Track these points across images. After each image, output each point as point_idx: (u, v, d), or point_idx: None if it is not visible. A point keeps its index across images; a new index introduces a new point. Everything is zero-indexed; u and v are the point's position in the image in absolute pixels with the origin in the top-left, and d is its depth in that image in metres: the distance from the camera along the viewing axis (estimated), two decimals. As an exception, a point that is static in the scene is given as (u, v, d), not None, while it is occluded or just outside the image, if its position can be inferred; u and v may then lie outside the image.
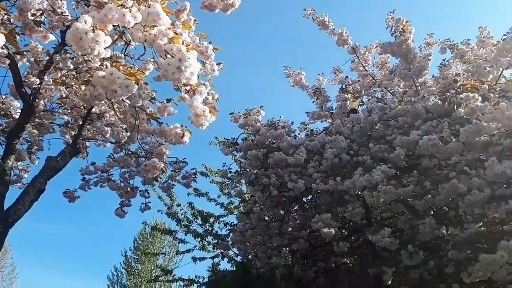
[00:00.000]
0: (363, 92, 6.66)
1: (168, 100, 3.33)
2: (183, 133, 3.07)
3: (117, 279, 16.81)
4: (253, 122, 4.93)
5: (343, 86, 6.02)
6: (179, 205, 8.27)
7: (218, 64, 3.60)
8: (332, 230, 4.49)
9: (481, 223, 2.80)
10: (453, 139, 3.29)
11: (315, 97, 6.13)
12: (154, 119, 3.38)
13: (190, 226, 8.02)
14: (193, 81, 2.12)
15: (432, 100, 4.33)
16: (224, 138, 5.30)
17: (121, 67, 2.23)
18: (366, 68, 6.65)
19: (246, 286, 4.34)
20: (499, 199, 2.77)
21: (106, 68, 2.26)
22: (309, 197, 6.35)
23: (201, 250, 7.87)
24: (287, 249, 6.20)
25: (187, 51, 2.03)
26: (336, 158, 4.65)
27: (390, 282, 4.35)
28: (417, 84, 5.46)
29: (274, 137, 4.73)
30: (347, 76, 6.19)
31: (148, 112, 3.44)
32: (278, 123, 4.91)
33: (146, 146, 4.56)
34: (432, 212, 4.14)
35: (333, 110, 6.11)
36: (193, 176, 5.05)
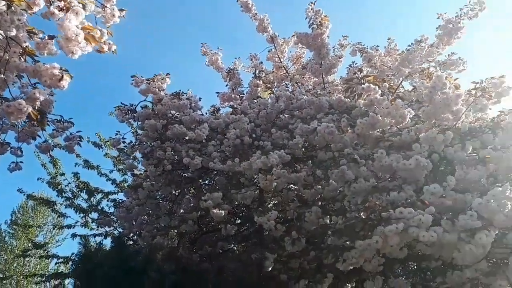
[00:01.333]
0: (275, 83, 6.67)
1: (51, 37, 2.81)
2: (62, 75, 2.61)
3: (-16, 255, 14.77)
4: (156, 89, 4.54)
5: (256, 72, 5.92)
6: (62, 174, 7.46)
7: (121, 10, 3.17)
8: (222, 211, 4.34)
9: (362, 212, 2.85)
10: (350, 130, 3.34)
11: (228, 78, 5.93)
12: (29, 55, 2.83)
13: (73, 200, 7.29)
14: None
15: (336, 95, 4.44)
16: (121, 103, 4.80)
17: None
18: (282, 60, 6.65)
19: (122, 262, 3.95)
20: (381, 190, 2.87)
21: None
22: (207, 181, 6.16)
23: (84, 227, 7.21)
24: (175, 231, 5.93)
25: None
26: (238, 140, 4.51)
27: (270, 269, 4.34)
28: (326, 81, 5.60)
29: (177, 108, 4.41)
30: (261, 62, 6.10)
31: (24, 46, 2.87)
32: (183, 93, 4.59)
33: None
34: (320, 203, 4.24)
35: (243, 94, 5.98)
36: (77, 139, 4.48)
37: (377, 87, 3.11)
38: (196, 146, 4.56)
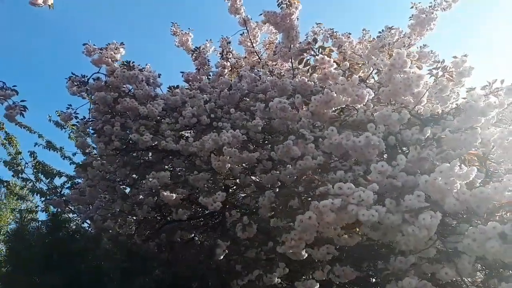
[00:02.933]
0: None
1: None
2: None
3: None
4: (109, 59, 4.22)
5: (224, 52, 5.65)
6: (19, 153, 7.06)
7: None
8: (174, 195, 4.07)
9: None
10: (304, 108, 3.11)
11: (194, 57, 5.64)
12: None
13: (34, 182, 6.90)
14: None
15: (300, 77, 4.21)
16: (72, 73, 4.45)
17: None
18: (254, 45, 6.39)
19: (56, 243, 3.62)
20: (329, 170, 2.65)
21: None
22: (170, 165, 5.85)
23: (44, 212, 6.81)
24: (134, 217, 5.62)
25: None
26: (194, 118, 4.23)
27: (227, 259, 4.09)
28: (295, 67, 5.37)
29: (127, 79, 4.10)
30: (229, 42, 5.83)
31: None
32: (134, 63, 4.27)
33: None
34: (277, 189, 4.01)
35: (210, 76, 5.70)
36: (20, 108, 4.14)
37: (332, 60, 2.88)
38: (149, 123, 4.26)
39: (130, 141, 4.16)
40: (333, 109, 3.08)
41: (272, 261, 3.88)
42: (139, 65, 4.63)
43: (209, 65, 5.69)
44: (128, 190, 5.39)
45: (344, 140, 2.58)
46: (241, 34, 6.34)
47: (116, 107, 4.20)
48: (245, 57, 6.54)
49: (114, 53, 4.23)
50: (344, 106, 3.06)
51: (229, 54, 5.64)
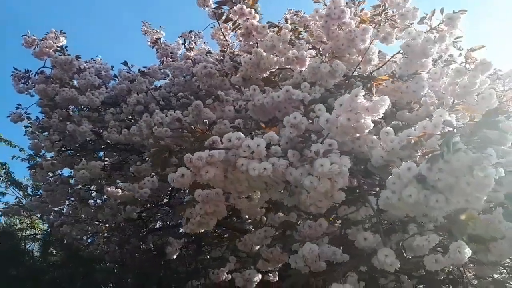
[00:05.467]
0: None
1: None
2: None
3: None
4: (49, 50, 3.95)
5: (186, 43, 5.35)
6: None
7: None
8: (119, 190, 3.70)
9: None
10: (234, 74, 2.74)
11: (156, 49, 5.34)
12: None
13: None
14: None
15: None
16: (14, 68, 4.18)
17: None
18: (227, 37, 6.07)
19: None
20: (244, 132, 2.25)
21: None
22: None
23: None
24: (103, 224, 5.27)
25: None
26: (140, 106, 3.89)
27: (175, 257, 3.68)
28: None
29: (60, 65, 3.78)
30: (191, 30, 5.52)
31: None
32: (67, 48, 3.96)
33: None
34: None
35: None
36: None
37: (253, 10, 2.49)
38: (94, 115, 3.94)
39: (67, 132, 3.82)
40: (268, 72, 2.70)
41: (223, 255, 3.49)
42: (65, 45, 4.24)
43: (173, 58, 5.39)
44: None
45: (269, 99, 2.19)
46: (211, 27, 6.06)
47: (55, 99, 3.89)
48: (221, 50, 6.23)
49: (54, 42, 3.95)
50: (279, 68, 2.67)
51: (192, 44, 5.31)
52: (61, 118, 3.95)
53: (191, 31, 5.53)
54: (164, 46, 5.24)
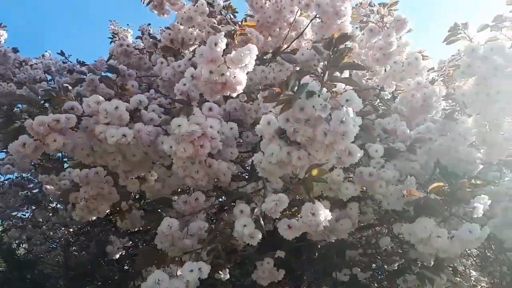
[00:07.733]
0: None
1: None
2: None
3: None
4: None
5: (143, 37, 5.15)
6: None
7: None
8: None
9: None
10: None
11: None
12: None
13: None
14: None
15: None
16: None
17: None
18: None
19: None
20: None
21: None
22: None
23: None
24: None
25: None
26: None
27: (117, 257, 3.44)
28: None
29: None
30: (149, 24, 5.33)
31: None
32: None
33: None
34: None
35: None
36: None
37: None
38: (33, 110, 3.73)
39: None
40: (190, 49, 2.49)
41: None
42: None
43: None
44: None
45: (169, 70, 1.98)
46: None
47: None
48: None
49: (-4, 36, 3.77)
50: (200, 43, 2.46)
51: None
52: None
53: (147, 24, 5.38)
54: (120, 39, 5.06)
